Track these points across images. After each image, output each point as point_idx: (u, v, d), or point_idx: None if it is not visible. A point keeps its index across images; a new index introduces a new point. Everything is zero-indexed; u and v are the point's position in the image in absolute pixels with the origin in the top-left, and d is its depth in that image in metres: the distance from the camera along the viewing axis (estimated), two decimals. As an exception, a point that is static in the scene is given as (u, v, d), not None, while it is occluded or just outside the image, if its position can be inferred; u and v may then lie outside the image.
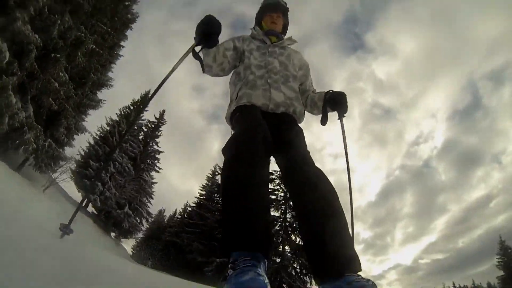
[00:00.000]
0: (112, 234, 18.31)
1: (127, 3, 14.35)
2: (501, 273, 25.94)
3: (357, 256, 1.11)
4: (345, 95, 1.79)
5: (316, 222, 1.15)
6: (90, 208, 17.16)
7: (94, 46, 11.07)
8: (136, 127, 22.77)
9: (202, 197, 25.29)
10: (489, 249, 27.31)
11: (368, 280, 0.98)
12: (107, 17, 12.86)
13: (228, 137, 1.47)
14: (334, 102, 1.78)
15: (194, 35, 1.73)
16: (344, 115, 1.81)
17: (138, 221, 19.75)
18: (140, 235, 21.48)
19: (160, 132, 25.19)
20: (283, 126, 1.60)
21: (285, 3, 2.11)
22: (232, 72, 1.93)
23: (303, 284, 18.19)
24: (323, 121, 1.80)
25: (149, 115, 25.13)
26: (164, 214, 32.61)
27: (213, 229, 20.01)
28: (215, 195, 24.35)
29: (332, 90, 1.81)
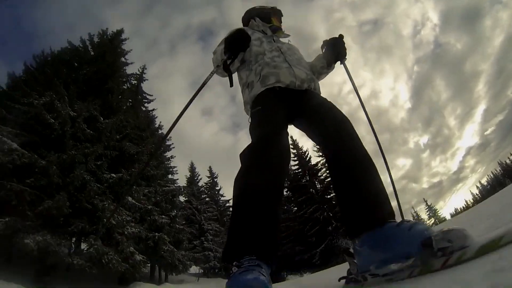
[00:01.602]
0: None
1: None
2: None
3: (393, 210, 1.17)
4: (340, 39, 1.77)
5: (354, 179, 1.22)
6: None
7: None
8: (202, 195, 28.20)
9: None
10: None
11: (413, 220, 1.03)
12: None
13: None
14: (332, 50, 1.81)
15: (224, 48, 1.69)
16: (346, 58, 1.78)
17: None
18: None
19: (219, 186, 30.59)
20: (312, 102, 1.61)
21: None
22: (239, 69, 1.94)
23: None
24: (329, 65, 1.90)
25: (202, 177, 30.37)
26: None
27: (302, 229, 24.32)
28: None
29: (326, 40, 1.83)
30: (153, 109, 19.94)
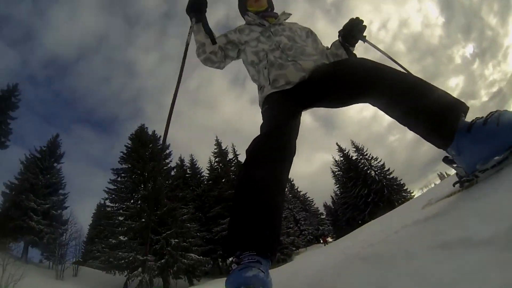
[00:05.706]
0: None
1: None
2: None
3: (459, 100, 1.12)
4: (355, 19, 1.78)
5: (417, 94, 1.16)
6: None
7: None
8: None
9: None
10: None
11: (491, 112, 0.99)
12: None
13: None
14: (349, 34, 1.78)
15: (189, 16, 1.73)
16: (365, 35, 1.80)
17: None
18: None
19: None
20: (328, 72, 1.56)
21: None
22: (246, 66, 1.90)
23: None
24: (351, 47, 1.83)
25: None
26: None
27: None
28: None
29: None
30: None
